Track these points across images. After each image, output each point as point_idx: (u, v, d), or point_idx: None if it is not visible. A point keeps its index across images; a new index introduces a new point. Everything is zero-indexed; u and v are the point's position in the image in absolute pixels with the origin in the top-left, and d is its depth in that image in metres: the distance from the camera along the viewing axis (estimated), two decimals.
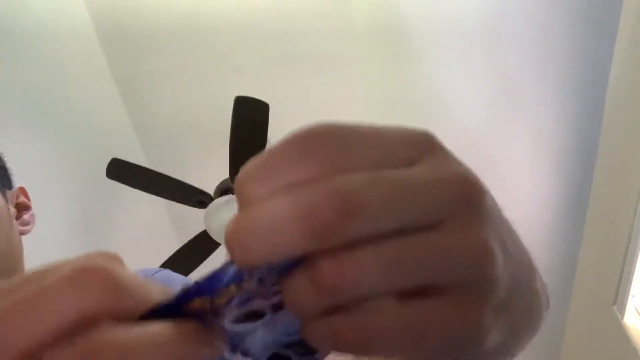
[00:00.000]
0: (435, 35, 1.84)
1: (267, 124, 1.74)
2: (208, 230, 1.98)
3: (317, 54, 1.95)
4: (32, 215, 0.58)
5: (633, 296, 1.78)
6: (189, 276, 2.16)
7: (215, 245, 2.06)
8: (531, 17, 1.75)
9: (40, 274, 0.17)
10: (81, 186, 2.21)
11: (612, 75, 1.78)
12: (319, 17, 1.86)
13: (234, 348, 0.21)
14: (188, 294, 0.19)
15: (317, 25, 1.88)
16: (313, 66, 1.99)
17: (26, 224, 0.57)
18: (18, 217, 0.56)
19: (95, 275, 0.16)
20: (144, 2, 1.83)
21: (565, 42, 1.76)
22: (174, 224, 2.54)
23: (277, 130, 2.12)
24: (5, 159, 0.64)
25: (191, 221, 2.15)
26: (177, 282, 0.58)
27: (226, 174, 1.89)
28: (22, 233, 0.55)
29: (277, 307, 0.21)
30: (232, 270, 0.18)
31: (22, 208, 0.58)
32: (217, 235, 1.95)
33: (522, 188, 2.11)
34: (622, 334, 1.77)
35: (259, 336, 0.22)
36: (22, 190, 0.59)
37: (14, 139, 1.89)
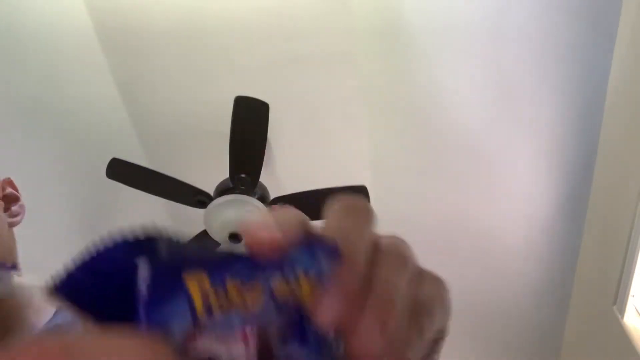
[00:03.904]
0: (435, 35, 1.84)
1: (267, 124, 1.74)
2: (208, 230, 1.98)
3: (317, 53, 1.95)
4: (22, 206, 0.58)
5: (633, 296, 1.78)
6: None
7: (215, 245, 2.05)
8: (531, 17, 1.75)
9: None
10: (81, 186, 2.21)
11: (612, 75, 1.78)
12: (319, 17, 1.86)
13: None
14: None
15: (317, 25, 1.88)
16: (313, 66, 1.99)
17: (15, 215, 0.56)
18: (6, 210, 0.55)
19: None
20: (144, 2, 1.83)
21: (565, 42, 1.76)
22: (174, 224, 2.54)
23: (277, 131, 2.12)
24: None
25: (191, 221, 2.15)
26: None
27: (226, 174, 1.89)
28: (12, 225, 0.55)
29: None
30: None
31: (10, 200, 0.57)
32: (217, 235, 1.95)
33: (522, 188, 2.11)
34: (622, 334, 1.77)
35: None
36: (10, 182, 0.58)
37: (14, 139, 1.89)
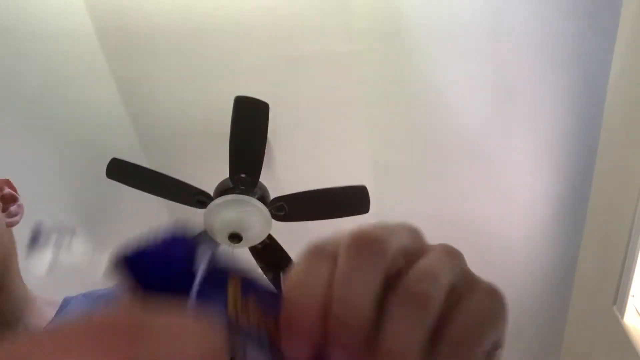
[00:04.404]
0: (435, 36, 1.84)
1: (267, 124, 1.74)
2: (208, 230, 1.98)
3: (317, 54, 1.95)
4: (20, 206, 0.58)
5: (633, 296, 1.78)
6: None
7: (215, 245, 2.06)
8: (531, 18, 1.75)
9: None
10: (81, 186, 2.21)
11: (612, 75, 1.78)
12: (319, 17, 1.86)
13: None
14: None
15: (317, 25, 1.88)
16: (313, 66, 1.99)
17: (14, 215, 0.56)
18: (4, 210, 0.56)
19: None
20: (144, 2, 1.83)
21: (565, 42, 1.76)
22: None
23: (277, 130, 2.12)
24: None
25: (191, 221, 2.15)
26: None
27: (226, 174, 1.89)
28: (10, 225, 0.55)
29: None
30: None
31: (8, 200, 0.57)
32: (217, 235, 1.95)
33: (522, 188, 2.11)
34: (622, 334, 1.77)
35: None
36: (7, 182, 0.59)
37: (14, 139, 1.89)
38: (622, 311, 1.79)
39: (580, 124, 1.92)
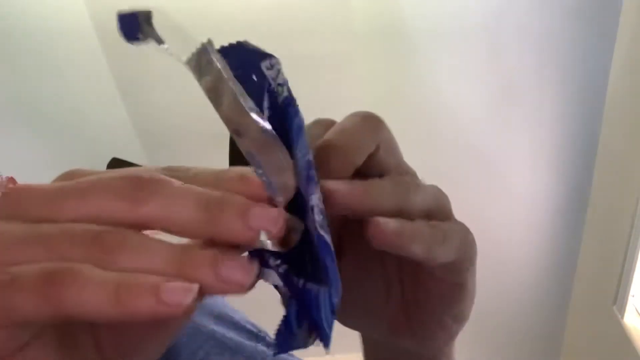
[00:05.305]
0: (435, 35, 1.84)
1: None
2: None
3: (317, 54, 1.95)
4: None
5: (633, 296, 1.78)
6: None
7: None
8: (531, 17, 1.75)
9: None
10: None
11: (612, 75, 1.78)
12: (319, 17, 1.86)
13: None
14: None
15: (317, 25, 1.88)
16: (313, 66, 1.99)
17: None
18: None
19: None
20: (144, 2, 1.83)
21: (565, 42, 1.76)
22: None
23: None
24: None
25: None
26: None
27: None
28: None
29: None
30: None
31: None
32: None
33: (521, 188, 2.11)
34: (622, 334, 1.77)
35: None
36: (12, 180, 0.59)
37: (13, 139, 1.89)
38: (622, 311, 1.79)
39: (580, 124, 1.92)
